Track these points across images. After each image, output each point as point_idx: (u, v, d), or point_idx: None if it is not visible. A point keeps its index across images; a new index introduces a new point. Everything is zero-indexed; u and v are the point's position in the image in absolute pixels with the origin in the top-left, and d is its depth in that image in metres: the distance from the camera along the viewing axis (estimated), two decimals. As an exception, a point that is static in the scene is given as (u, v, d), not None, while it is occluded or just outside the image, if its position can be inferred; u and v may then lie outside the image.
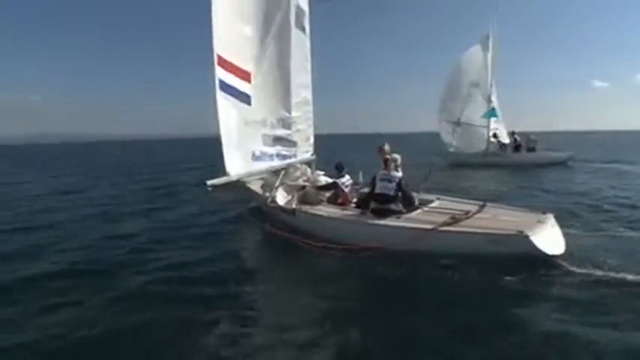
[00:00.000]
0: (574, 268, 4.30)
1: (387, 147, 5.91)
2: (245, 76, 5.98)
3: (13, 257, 5.45)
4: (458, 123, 18.05)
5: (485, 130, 17.87)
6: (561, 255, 4.46)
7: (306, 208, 6.01)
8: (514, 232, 4.38)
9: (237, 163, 5.57)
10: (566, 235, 4.82)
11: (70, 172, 20.22)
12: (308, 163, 7.52)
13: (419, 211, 5.39)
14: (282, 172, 6.78)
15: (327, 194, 6.36)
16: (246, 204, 7.50)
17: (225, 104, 5.56)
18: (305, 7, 6.86)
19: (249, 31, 5.98)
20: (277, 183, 6.63)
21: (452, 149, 18.45)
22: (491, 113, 17.81)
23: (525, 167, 15.90)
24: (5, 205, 9.89)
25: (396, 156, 5.63)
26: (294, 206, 6.09)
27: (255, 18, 5.99)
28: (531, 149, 17.40)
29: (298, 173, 7.17)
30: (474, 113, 18.03)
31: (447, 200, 5.91)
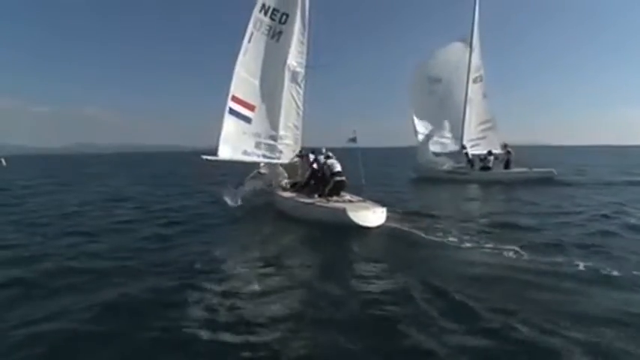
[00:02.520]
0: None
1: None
2: (250, 106, 10.47)
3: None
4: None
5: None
6: (373, 227, 7.58)
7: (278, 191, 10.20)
8: (340, 209, 7.73)
9: (227, 152, 9.95)
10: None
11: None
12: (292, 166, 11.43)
13: (335, 198, 8.89)
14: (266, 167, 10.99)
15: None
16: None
17: (229, 120, 10.10)
18: (300, 69, 11.08)
19: (256, 82, 10.51)
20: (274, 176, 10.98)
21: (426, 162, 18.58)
22: None
23: (494, 184, 15.46)
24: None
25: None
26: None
27: (260, 75, 10.51)
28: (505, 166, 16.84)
29: (280, 170, 11.25)
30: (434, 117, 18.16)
31: (352, 197, 9.17)
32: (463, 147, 18.02)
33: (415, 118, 18.43)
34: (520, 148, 19.09)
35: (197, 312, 3.89)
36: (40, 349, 3.28)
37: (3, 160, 54.52)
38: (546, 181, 15.57)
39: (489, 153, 17.23)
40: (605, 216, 8.60)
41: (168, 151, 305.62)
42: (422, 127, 18.45)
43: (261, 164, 11.08)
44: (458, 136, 18.34)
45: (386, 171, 23.57)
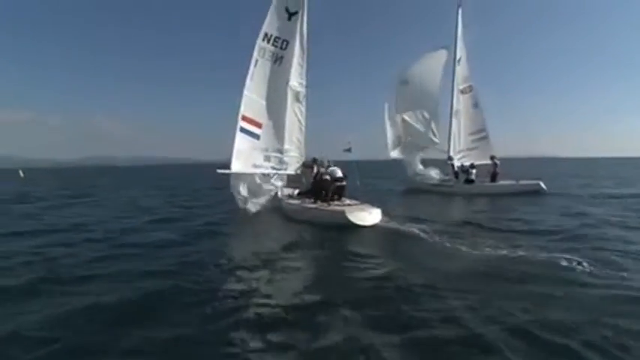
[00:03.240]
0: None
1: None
2: (258, 124, 11.73)
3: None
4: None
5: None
6: (370, 225, 8.75)
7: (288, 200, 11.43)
8: (340, 211, 8.92)
9: (239, 166, 11.18)
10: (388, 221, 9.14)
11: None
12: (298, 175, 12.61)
13: (336, 202, 10.09)
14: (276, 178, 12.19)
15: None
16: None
17: (241, 137, 11.35)
18: (301, 88, 12.37)
19: (262, 102, 11.79)
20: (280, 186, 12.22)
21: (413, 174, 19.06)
22: None
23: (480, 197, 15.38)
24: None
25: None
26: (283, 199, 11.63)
27: (265, 96, 11.81)
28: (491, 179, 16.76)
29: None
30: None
31: (350, 201, 10.37)
32: (449, 158, 18.35)
33: (389, 129, 18.84)
34: (528, 160, 19.58)
35: (238, 286, 5.09)
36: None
37: (21, 172, 57.06)
38: (534, 193, 15.51)
39: (472, 166, 17.21)
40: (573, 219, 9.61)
41: (181, 163, 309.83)
42: (393, 137, 18.85)
43: (272, 175, 12.30)
44: (438, 138, 18.71)
45: (377, 182, 23.46)
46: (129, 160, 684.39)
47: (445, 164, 18.62)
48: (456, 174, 17.53)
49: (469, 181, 16.74)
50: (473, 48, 19.40)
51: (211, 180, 22.88)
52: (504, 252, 6.39)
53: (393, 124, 18.86)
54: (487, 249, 6.60)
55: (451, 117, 18.70)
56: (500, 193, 15.69)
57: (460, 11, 18.89)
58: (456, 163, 18.10)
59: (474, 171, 16.89)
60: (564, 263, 5.62)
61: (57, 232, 9.52)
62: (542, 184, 15.90)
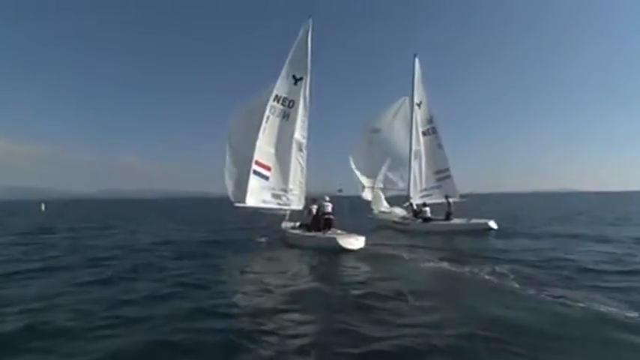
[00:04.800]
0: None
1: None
2: (267, 168, 14.42)
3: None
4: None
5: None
6: (356, 249, 11.18)
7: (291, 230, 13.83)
8: (333, 238, 11.38)
9: (252, 201, 13.74)
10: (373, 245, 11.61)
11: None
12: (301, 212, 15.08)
13: (329, 232, 12.53)
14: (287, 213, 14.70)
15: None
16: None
17: (254, 178, 14.01)
18: (303, 140, 15.12)
19: (272, 150, 14.56)
20: (287, 219, 14.64)
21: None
22: None
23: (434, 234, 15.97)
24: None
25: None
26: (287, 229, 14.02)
27: (274, 145, 14.60)
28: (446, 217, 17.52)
29: (287, 216, 14.94)
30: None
31: (340, 231, 12.76)
32: (407, 198, 19.73)
33: (356, 171, 20.67)
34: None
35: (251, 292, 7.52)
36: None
37: (43, 206, 58.68)
38: (484, 232, 15.85)
39: (424, 204, 18.34)
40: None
41: (196, 197, 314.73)
42: (364, 178, 20.63)
43: (281, 210, 14.82)
44: (405, 179, 20.39)
45: (362, 214, 22.90)
46: (142, 193, 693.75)
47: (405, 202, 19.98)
48: (415, 213, 18.63)
49: (426, 220, 17.61)
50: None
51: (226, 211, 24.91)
52: (445, 265, 9.16)
53: (362, 172, 20.85)
54: (430, 263, 9.38)
55: (410, 159, 20.00)
56: (451, 232, 16.28)
57: (417, 60, 20.52)
58: (416, 202, 19.41)
59: (427, 209, 17.95)
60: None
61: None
62: (492, 224, 16.25)
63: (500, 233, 15.76)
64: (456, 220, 17.26)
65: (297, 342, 4.59)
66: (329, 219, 13.00)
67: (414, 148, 20.03)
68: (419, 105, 20.27)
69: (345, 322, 5.21)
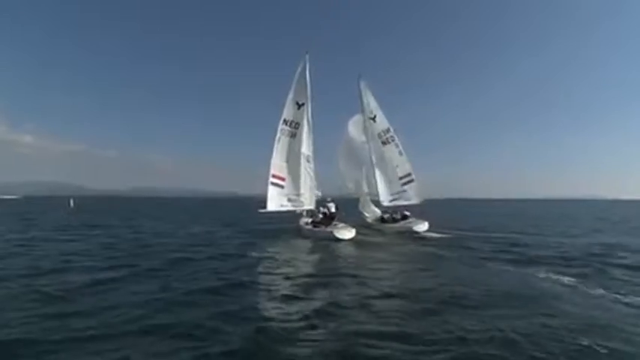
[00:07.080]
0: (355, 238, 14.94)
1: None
2: (282, 178, 18.28)
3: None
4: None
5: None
6: (348, 239, 14.91)
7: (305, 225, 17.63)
8: (330, 230, 15.18)
9: (272, 206, 17.67)
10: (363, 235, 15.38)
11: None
12: (311, 210, 18.86)
13: (333, 223, 16.34)
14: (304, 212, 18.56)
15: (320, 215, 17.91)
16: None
17: (271, 188, 17.91)
18: (309, 153, 18.82)
19: (284, 164, 18.40)
20: (305, 216, 18.55)
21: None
22: None
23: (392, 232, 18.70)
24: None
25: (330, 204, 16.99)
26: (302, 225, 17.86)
27: (286, 159, 18.42)
28: (401, 218, 19.69)
29: (304, 213, 18.76)
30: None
31: (340, 224, 16.49)
32: (377, 203, 21.80)
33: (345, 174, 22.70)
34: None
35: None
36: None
37: (72, 202, 58.25)
38: (413, 232, 17.97)
39: (384, 211, 21.14)
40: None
41: (223, 197, 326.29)
42: (350, 181, 22.60)
43: (297, 210, 18.73)
44: (371, 185, 22.09)
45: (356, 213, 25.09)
46: (172, 192, 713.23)
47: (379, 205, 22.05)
48: (382, 217, 21.14)
49: (383, 221, 20.66)
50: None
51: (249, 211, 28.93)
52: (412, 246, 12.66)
53: (345, 177, 22.89)
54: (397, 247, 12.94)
55: (373, 168, 21.74)
56: (396, 232, 18.77)
57: (361, 82, 21.97)
58: (385, 204, 21.49)
59: (387, 216, 20.76)
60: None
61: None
62: (417, 227, 18.17)
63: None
64: (401, 223, 19.52)
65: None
66: (333, 215, 16.93)
67: (374, 157, 21.72)
68: (373, 119, 21.63)
69: (343, 285, 9.31)
